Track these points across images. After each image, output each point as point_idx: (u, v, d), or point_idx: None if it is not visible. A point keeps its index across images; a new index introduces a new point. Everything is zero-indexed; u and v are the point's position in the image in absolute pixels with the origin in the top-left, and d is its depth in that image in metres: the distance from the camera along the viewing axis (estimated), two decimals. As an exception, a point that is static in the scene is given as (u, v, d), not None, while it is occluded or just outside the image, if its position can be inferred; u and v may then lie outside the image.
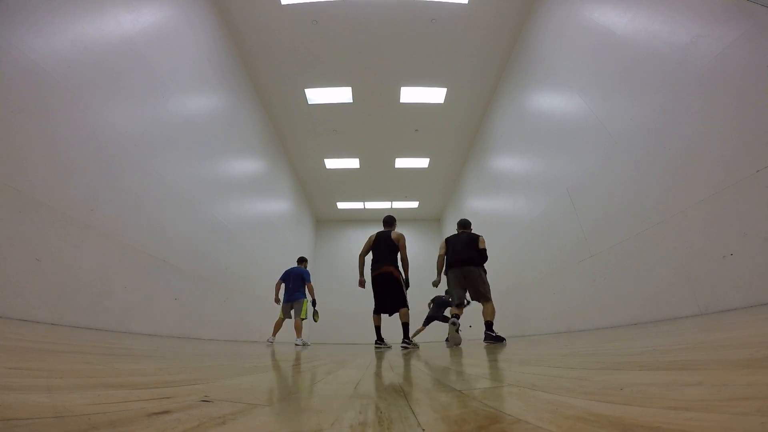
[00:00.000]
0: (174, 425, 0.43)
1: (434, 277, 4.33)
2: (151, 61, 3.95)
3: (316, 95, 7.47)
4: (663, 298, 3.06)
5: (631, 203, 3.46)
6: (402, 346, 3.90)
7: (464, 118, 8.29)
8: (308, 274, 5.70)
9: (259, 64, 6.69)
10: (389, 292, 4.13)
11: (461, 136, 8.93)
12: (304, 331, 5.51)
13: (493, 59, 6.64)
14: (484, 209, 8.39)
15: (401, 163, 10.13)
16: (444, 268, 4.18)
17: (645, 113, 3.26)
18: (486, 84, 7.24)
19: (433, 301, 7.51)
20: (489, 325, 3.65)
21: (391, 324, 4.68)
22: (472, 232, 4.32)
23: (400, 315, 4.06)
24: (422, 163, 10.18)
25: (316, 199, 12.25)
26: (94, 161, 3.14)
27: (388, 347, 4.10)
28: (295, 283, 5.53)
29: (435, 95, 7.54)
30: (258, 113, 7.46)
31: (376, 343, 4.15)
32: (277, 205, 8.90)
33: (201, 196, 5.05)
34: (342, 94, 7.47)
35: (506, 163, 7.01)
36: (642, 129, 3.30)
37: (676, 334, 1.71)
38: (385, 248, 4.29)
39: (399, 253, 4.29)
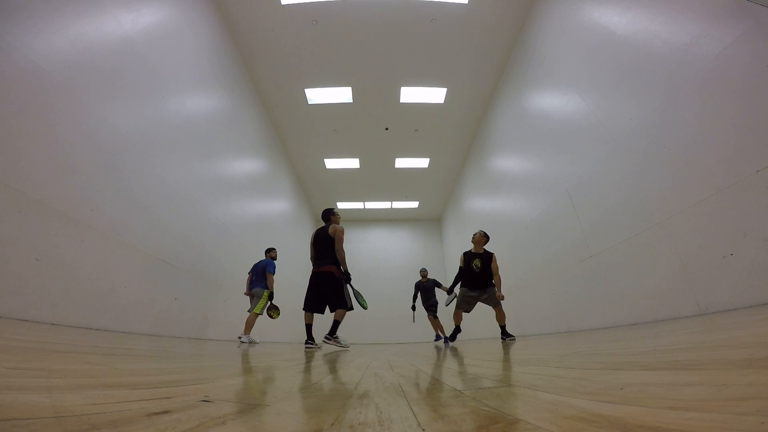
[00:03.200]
0: (174, 425, 0.43)
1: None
2: (151, 61, 3.95)
3: (316, 95, 7.47)
4: (663, 298, 3.06)
5: (631, 203, 3.46)
6: (323, 340, 3.89)
7: (464, 118, 8.29)
8: (271, 266, 5.46)
9: (259, 64, 6.69)
10: (329, 293, 3.92)
11: (461, 136, 8.93)
12: (255, 327, 5.26)
13: (493, 59, 6.64)
14: (484, 209, 8.39)
15: (401, 163, 10.13)
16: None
17: (645, 113, 3.26)
18: (486, 84, 7.24)
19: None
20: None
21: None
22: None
23: (335, 313, 3.91)
24: (422, 163, 10.18)
25: (316, 199, 12.25)
26: (95, 161, 3.14)
27: (319, 347, 3.94)
28: (258, 275, 5.38)
29: (435, 95, 7.54)
30: (258, 113, 7.45)
31: (306, 343, 3.92)
32: (277, 205, 8.90)
33: (201, 196, 5.05)
34: (342, 94, 7.47)
35: (506, 163, 7.01)
36: (642, 129, 3.30)
37: (676, 334, 1.70)
38: (322, 246, 4.02)
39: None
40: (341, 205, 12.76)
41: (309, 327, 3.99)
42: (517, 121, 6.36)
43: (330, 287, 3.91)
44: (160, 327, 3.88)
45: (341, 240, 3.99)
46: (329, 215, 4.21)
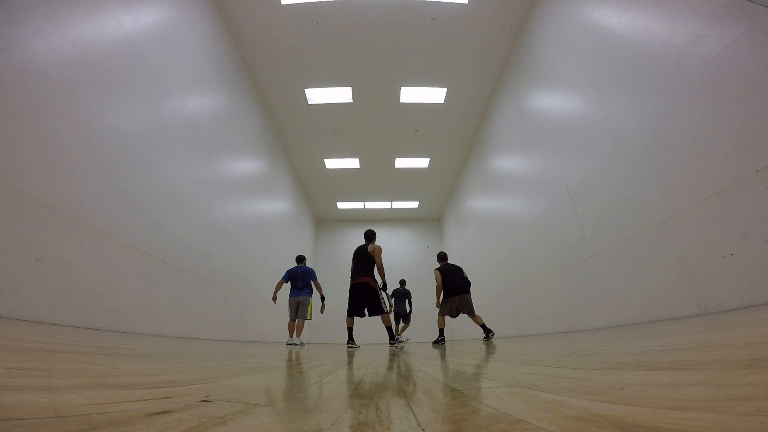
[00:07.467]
0: (174, 425, 0.43)
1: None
2: (151, 61, 3.95)
3: (316, 95, 7.46)
4: (663, 298, 3.06)
5: (631, 203, 3.46)
6: (390, 344, 4.32)
7: (464, 118, 8.29)
8: (314, 273, 5.98)
9: (259, 64, 6.69)
10: (366, 300, 4.47)
11: (461, 136, 8.93)
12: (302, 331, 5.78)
13: (493, 59, 6.64)
14: (484, 209, 8.39)
15: (401, 163, 10.13)
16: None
17: (645, 113, 3.26)
18: (486, 84, 7.24)
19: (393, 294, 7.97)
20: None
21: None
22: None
23: (382, 320, 4.43)
24: (422, 163, 10.18)
25: (316, 199, 12.25)
26: (94, 161, 3.14)
27: (357, 347, 4.42)
28: (304, 280, 5.79)
29: (435, 95, 7.54)
30: (258, 113, 7.45)
31: (347, 343, 4.47)
32: (277, 205, 8.90)
33: (201, 196, 5.05)
34: (342, 94, 7.47)
35: (506, 163, 7.01)
36: (642, 129, 3.30)
37: (676, 334, 1.71)
38: (361, 261, 4.65)
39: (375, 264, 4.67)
40: (341, 205, 12.77)
41: (350, 330, 4.53)
42: (517, 121, 6.35)
43: (367, 295, 4.46)
44: (160, 327, 3.88)
45: (380, 256, 4.63)
46: (373, 235, 4.82)
